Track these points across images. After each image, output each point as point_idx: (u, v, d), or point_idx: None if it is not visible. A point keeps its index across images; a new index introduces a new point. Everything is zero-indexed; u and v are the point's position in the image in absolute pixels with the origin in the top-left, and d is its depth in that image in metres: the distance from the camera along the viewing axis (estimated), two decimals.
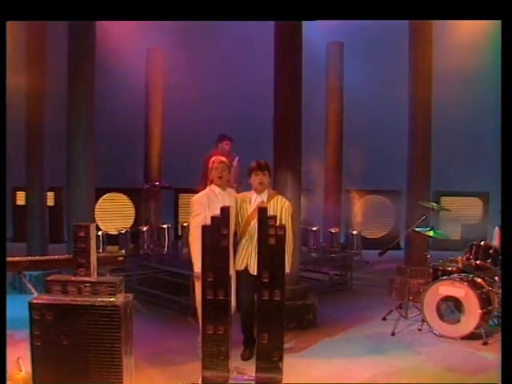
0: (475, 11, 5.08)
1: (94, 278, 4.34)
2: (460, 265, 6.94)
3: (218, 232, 4.28)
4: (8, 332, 4.60)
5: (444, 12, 5.31)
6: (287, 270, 5.40)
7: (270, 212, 5.40)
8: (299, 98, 7.13)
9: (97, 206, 11.37)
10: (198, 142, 10.74)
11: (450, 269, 7.08)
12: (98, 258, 5.95)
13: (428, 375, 5.65)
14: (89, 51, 7.19)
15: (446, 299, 6.73)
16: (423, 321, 6.88)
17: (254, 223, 5.24)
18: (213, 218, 4.31)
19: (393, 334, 6.71)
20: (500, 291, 6.68)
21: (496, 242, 7.21)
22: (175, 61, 10.75)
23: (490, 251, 6.80)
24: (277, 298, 4.24)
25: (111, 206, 11.09)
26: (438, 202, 11.29)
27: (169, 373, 5.47)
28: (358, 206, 11.60)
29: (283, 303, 4.29)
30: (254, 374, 4.32)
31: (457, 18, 5.50)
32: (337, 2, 5.81)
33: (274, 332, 4.25)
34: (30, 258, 5.84)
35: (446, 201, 11.21)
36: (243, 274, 5.57)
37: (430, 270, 7.29)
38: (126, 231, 9.18)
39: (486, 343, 6.34)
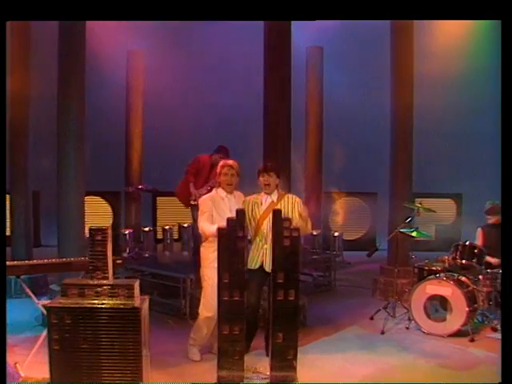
0: (475, 11, 5.13)
1: (110, 280, 4.42)
2: (447, 264, 7.25)
3: (233, 234, 4.42)
4: None
5: (444, 12, 5.37)
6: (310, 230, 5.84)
7: (283, 210, 5.57)
8: (289, 103, 7.39)
9: None
10: (178, 146, 10.93)
11: (434, 268, 7.40)
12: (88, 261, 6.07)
13: (422, 372, 5.90)
14: (79, 52, 7.22)
15: (432, 298, 7.04)
16: (410, 319, 7.18)
17: (266, 223, 5.54)
18: (228, 220, 4.45)
19: (382, 332, 6.97)
20: (484, 289, 7.03)
21: (479, 241, 7.57)
22: (157, 64, 10.82)
23: (475, 251, 7.13)
24: (291, 298, 4.42)
25: (88, 209, 11.05)
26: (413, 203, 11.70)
27: (168, 374, 5.56)
28: (337, 208, 11.86)
29: (297, 303, 4.46)
30: (268, 373, 4.47)
31: (457, 18, 5.54)
32: (333, 2, 5.78)
33: (288, 331, 4.42)
34: (30, 261, 5.89)
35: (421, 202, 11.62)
36: (256, 273, 5.69)
37: (416, 270, 7.60)
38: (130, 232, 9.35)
39: (472, 340, 6.66)
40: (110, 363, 4.26)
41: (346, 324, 7.39)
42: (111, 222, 11.03)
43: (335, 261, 9.63)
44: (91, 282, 4.39)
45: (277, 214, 4.41)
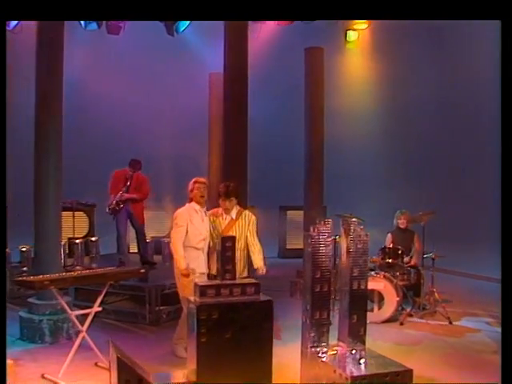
0: (475, 11, 5.56)
1: (237, 280, 5.88)
2: (378, 264, 9.72)
3: (322, 239, 6.20)
4: None
5: (444, 12, 5.89)
6: (264, 269, 7.43)
7: (241, 225, 7.40)
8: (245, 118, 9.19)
9: None
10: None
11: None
12: (122, 272, 7.31)
13: (386, 350, 7.82)
14: (58, 70, 8.07)
15: None
16: None
17: None
18: (318, 228, 6.22)
19: (330, 323, 9.12)
20: (401, 283, 9.61)
21: (389, 244, 10.20)
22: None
23: (399, 252, 9.72)
24: (362, 287, 6.33)
25: None
26: (285, 216, 14.17)
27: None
28: None
29: (366, 291, 6.41)
30: (346, 347, 6.31)
31: (457, 18, 5.94)
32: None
33: (361, 313, 6.32)
34: (73, 274, 6.84)
35: (292, 214, 14.10)
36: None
37: None
38: (28, 249, 10.06)
39: (402, 323, 9.18)
40: (248, 349, 5.72)
41: (292, 320, 9.16)
42: None
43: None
44: (225, 283, 5.80)
45: (350, 223, 6.30)
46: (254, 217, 7.61)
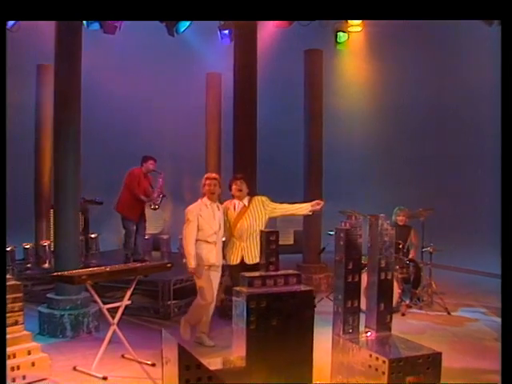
0: (475, 11, 5.66)
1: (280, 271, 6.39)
2: None
3: (354, 232, 6.78)
4: None
5: (444, 12, 6.02)
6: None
7: (254, 211, 7.86)
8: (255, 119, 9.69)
9: None
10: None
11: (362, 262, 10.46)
12: (151, 267, 7.75)
13: None
14: (76, 69, 8.41)
15: None
16: None
17: (240, 225, 7.68)
18: (350, 222, 6.79)
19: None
20: (400, 276, 10.28)
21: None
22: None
23: (399, 246, 10.37)
24: (389, 278, 6.93)
25: None
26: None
27: None
28: None
29: (393, 281, 7.02)
30: (373, 333, 6.90)
31: (457, 18, 6.07)
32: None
33: (387, 301, 6.92)
34: (107, 268, 7.23)
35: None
36: (238, 268, 7.41)
37: None
38: (32, 246, 10.45)
39: (403, 314, 9.84)
40: (292, 336, 6.23)
41: None
42: None
43: None
44: (269, 274, 6.30)
45: (378, 219, 6.88)
46: (264, 197, 8.04)
